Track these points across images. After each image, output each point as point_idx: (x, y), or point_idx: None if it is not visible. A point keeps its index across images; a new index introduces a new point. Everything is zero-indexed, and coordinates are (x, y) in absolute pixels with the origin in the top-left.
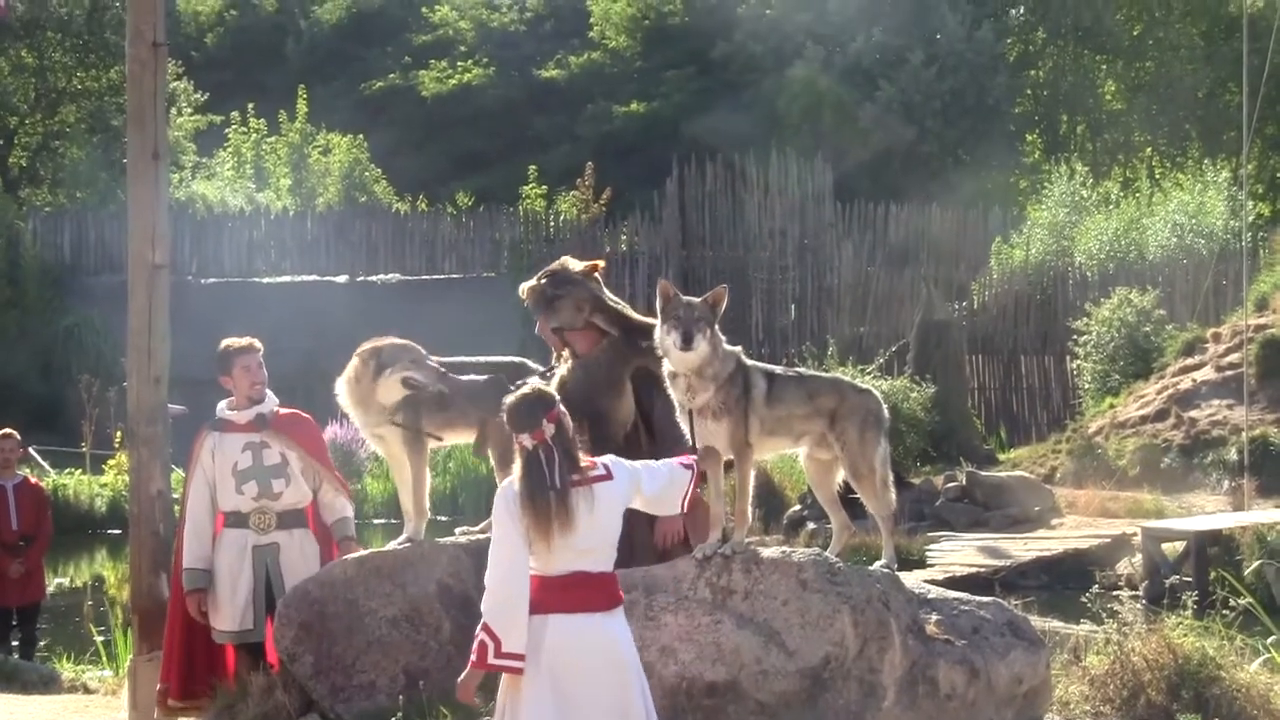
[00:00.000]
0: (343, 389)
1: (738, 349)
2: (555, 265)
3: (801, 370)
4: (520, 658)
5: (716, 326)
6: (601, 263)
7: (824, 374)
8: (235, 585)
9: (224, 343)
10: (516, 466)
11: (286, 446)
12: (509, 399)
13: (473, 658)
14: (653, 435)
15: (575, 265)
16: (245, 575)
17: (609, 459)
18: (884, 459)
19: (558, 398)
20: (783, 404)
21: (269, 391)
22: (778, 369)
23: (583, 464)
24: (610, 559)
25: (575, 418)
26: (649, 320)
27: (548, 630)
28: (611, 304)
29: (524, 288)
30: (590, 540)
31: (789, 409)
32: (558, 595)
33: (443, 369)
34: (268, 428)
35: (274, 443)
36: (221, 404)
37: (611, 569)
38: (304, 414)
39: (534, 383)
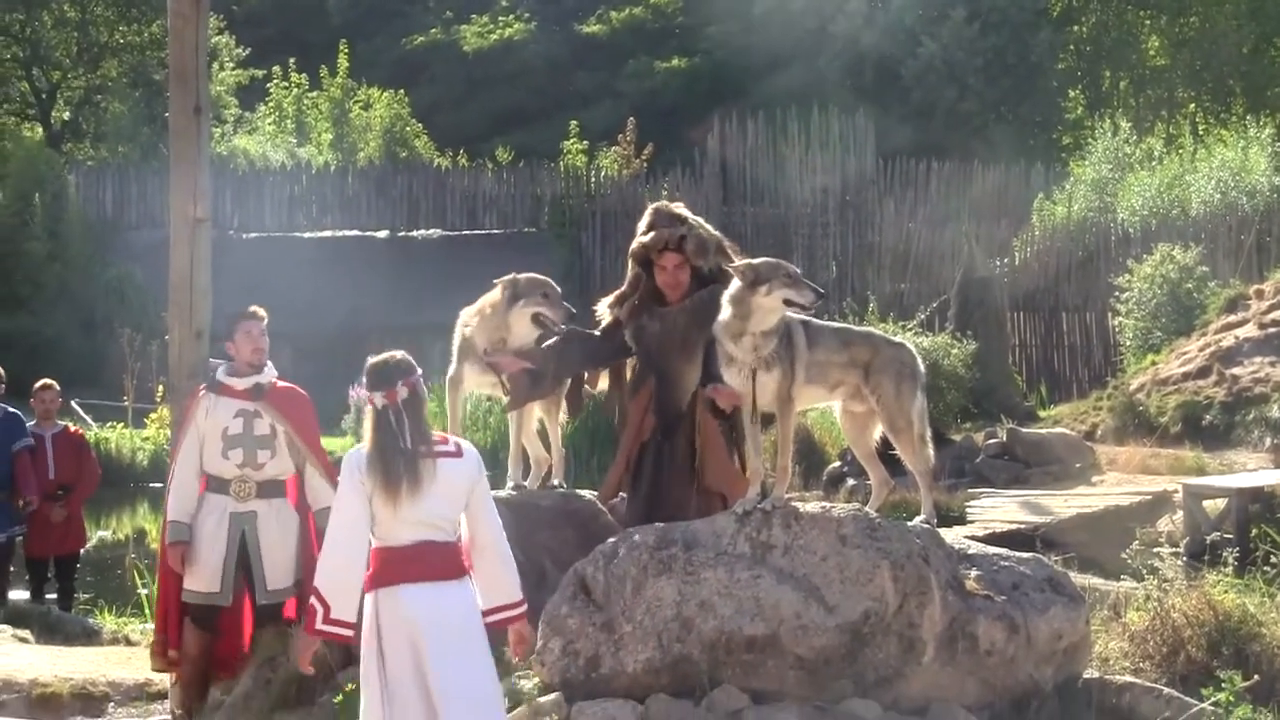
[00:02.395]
0: (472, 321)
1: None
2: (681, 209)
3: (833, 323)
4: (348, 625)
5: None
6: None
7: (856, 327)
8: (211, 548)
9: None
10: (367, 427)
11: (277, 420)
12: (372, 358)
13: (305, 623)
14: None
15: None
16: (220, 540)
17: (465, 443)
18: (921, 413)
19: (419, 371)
20: (820, 349)
21: (269, 364)
22: (811, 319)
23: (433, 437)
24: (456, 531)
25: (644, 375)
26: None
27: (400, 600)
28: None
29: (696, 234)
30: (434, 511)
31: (826, 355)
32: (406, 566)
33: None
34: (263, 398)
35: (266, 414)
36: (220, 367)
37: (457, 541)
38: (300, 391)
39: (400, 352)
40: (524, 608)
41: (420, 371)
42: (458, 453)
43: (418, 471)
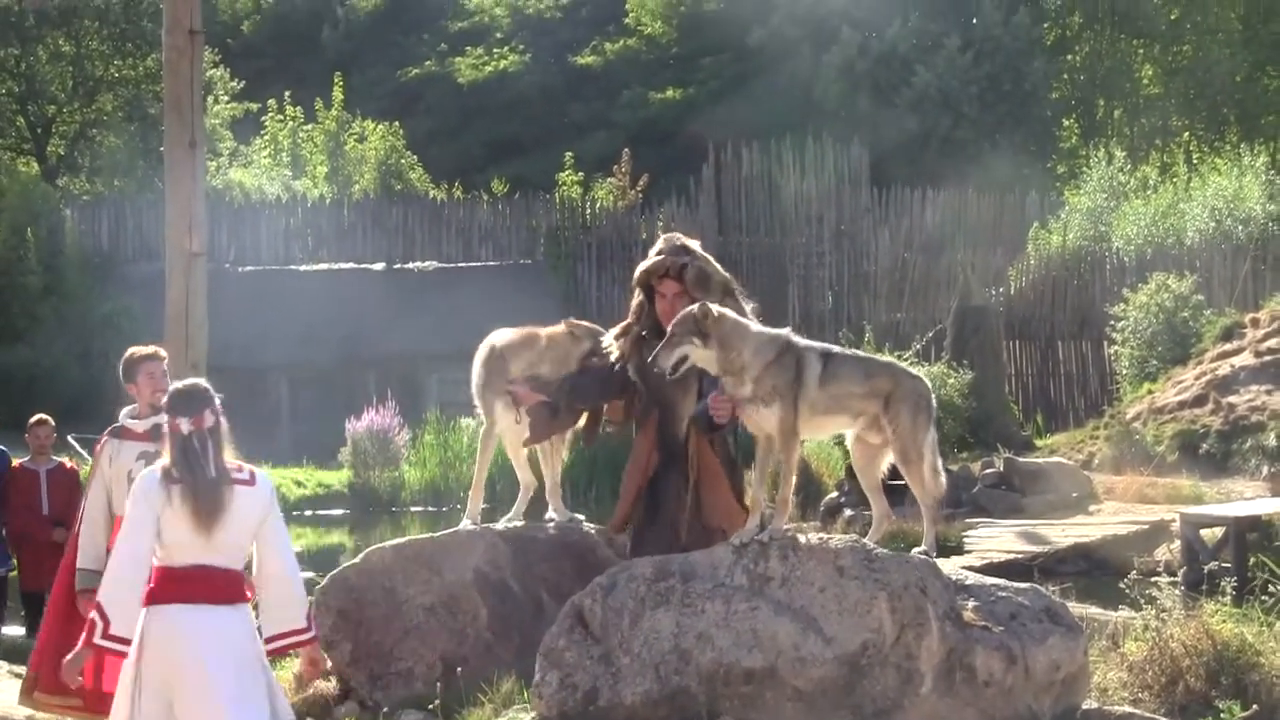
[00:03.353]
0: (515, 341)
1: (784, 331)
2: (686, 241)
3: (857, 351)
4: (125, 642)
5: (725, 330)
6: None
7: (878, 357)
8: None
9: (129, 351)
10: (168, 452)
11: None
12: (176, 384)
13: (84, 636)
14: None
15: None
16: None
17: (259, 472)
18: (932, 445)
19: (218, 399)
20: (839, 382)
21: None
22: (835, 348)
23: (229, 465)
24: (239, 559)
25: (648, 409)
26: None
27: (169, 619)
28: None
29: (688, 268)
30: (225, 538)
31: (847, 387)
32: (180, 586)
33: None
34: (163, 439)
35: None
36: (125, 411)
37: (240, 568)
38: None
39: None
40: (311, 634)
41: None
42: (251, 481)
43: (221, 499)
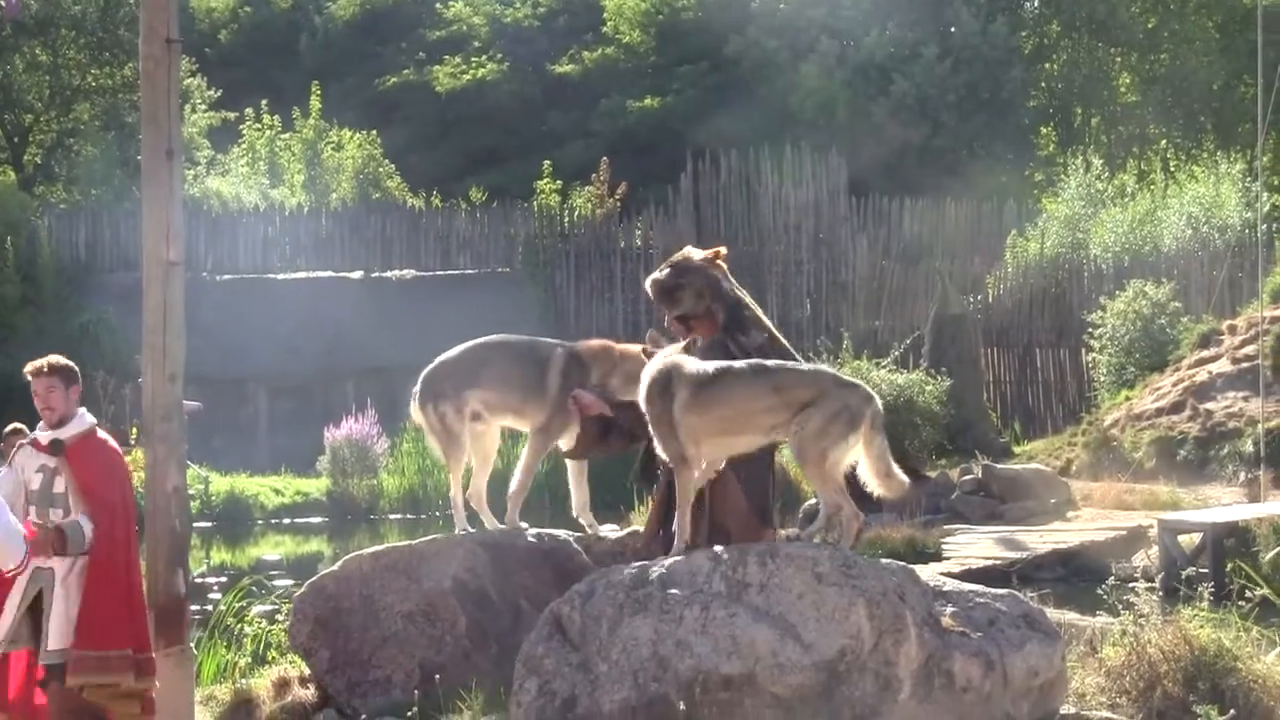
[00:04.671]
0: (598, 352)
1: (666, 363)
2: (678, 255)
3: (770, 363)
4: None
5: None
6: (723, 250)
7: (807, 367)
8: (11, 600)
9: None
10: None
11: (69, 477)
12: None
13: None
14: None
15: (697, 255)
16: (18, 593)
17: None
18: (880, 452)
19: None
20: (731, 401)
21: (83, 413)
22: (738, 364)
23: None
24: None
25: None
26: (752, 318)
27: None
28: (729, 294)
29: (648, 281)
30: None
31: (743, 404)
32: None
33: None
34: (61, 454)
35: (64, 471)
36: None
37: None
38: (109, 446)
39: None
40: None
41: None
42: None
43: None
